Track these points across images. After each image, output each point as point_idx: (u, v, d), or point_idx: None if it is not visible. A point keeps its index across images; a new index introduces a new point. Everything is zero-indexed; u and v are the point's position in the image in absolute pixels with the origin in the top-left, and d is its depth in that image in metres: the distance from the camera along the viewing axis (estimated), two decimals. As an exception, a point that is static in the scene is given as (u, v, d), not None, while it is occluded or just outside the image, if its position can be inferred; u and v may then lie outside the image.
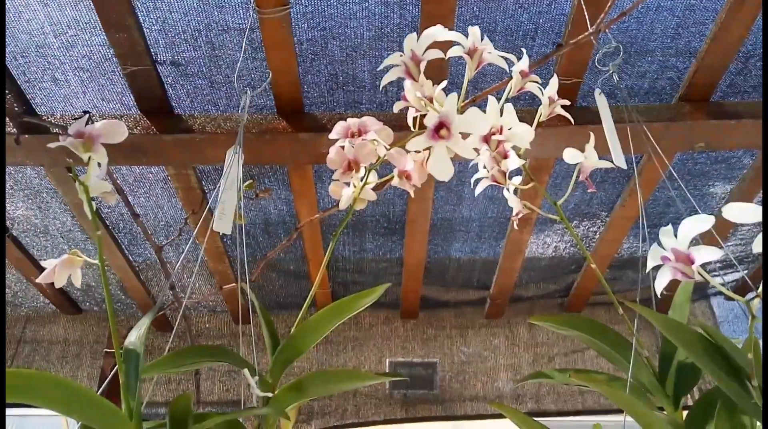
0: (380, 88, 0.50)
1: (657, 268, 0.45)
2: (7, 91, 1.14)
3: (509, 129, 0.50)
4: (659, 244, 0.45)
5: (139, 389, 0.50)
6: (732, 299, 1.97)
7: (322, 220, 1.56)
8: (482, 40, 0.51)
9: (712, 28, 1.11)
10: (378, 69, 0.51)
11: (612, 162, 0.72)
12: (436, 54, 0.47)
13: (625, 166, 0.75)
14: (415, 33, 0.48)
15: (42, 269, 1.68)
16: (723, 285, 1.63)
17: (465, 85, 0.53)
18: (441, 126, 0.44)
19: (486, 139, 0.51)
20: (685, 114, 1.20)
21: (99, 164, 0.55)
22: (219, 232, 1.45)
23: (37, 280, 0.58)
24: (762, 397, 0.53)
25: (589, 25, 0.97)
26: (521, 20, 1.10)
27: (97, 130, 0.53)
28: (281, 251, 1.55)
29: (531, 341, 1.93)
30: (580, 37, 0.87)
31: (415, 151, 0.78)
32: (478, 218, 1.57)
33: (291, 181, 1.36)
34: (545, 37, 1.12)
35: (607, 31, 0.93)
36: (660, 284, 0.44)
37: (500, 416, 1.84)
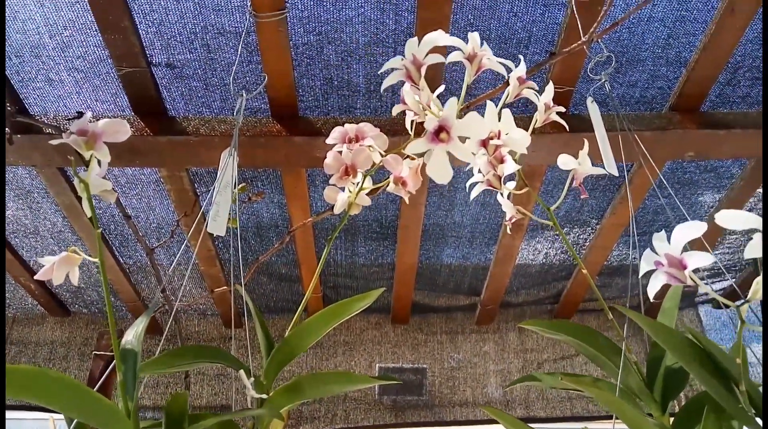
0: (381, 91, 0.50)
1: (650, 273, 0.46)
2: (0, 91, 1.14)
3: (506, 134, 0.51)
4: (652, 249, 0.46)
5: (136, 388, 0.51)
6: (720, 307, 1.99)
7: (315, 224, 1.56)
8: (482, 46, 0.52)
9: (702, 39, 1.13)
10: (379, 72, 0.52)
11: (604, 169, 0.73)
12: (436, 59, 0.48)
13: (617, 173, 0.76)
14: (416, 38, 0.49)
15: (30, 270, 1.66)
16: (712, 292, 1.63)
17: (464, 90, 0.54)
18: (441, 130, 0.45)
19: (484, 144, 0.52)
20: (676, 123, 1.22)
21: (99, 163, 0.55)
22: (211, 235, 1.45)
23: (36, 277, 0.58)
24: (763, 397, 0.54)
25: (582, 34, 0.99)
26: (515, 28, 1.11)
27: (100, 129, 0.53)
28: (273, 255, 1.55)
29: (520, 347, 1.93)
30: (573, 46, 0.88)
31: (411, 158, 0.79)
32: (470, 224, 1.58)
33: (284, 185, 1.36)
34: (538, 45, 1.14)
35: (599, 40, 0.94)
36: (653, 288, 0.45)
37: (489, 422, 1.85)
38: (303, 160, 1.24)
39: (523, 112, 1.25)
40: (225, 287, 1.34)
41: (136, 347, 0.56)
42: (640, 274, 0.47)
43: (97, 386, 0.58)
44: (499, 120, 0.51)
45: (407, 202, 0.78)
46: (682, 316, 2.04)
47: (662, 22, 1.12)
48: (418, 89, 0.50)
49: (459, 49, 0.53)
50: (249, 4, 1.00)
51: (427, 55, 0.48)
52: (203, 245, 1.52)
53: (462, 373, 1.91)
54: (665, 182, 1.29)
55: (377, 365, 1.93)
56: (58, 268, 0.59)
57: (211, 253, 1.56)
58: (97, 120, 0.56)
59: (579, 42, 0.88)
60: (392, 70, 0.51)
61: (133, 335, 0.57)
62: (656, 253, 0.45)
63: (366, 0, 1.05)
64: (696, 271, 0.55)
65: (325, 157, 1.24)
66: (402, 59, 0.49)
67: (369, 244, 1.66)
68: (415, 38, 0.49)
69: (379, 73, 0.51)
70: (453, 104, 0.45)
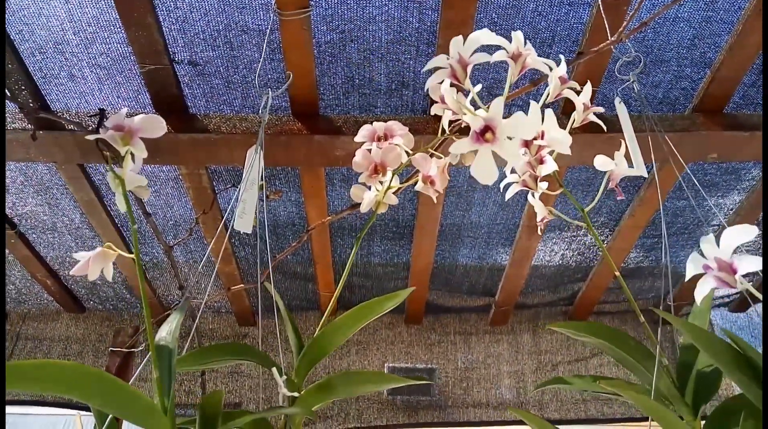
0: (425, 91, 0.49)
1: (698, 276, 0.45)
2: (22, 87, 1.14)
3: (549, 134, 0.50)
4: (700, 252, 0.45)
5: (173, 384, 0.50)
6: (737, 310, 1.97)
7: (330, 222, 1.56)
8: (525, 45, 0.51)
9: (728, 39, 1.12)
10: (423, 70, 0.51)
11: (636, 170, 0.72)
12: (483, 58, 0.48)
13: (646, 175, 0.75)
14: (460, 36, 0.48)
15: (47, 265, 1.66)
16: (727, 297, 1.62)
17: (507, 88, 0.53)
18: (486, 129, 0.44)
19: (527, 144, 0.51)
20: (699, 124, 1.21)
21: (133, 158, 0.55)
22: (229, 233, 1.45)
23: (71, 273, 0.58)
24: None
25: (609, 34, 0.98)
26: (539, 27, 1.10)
27: (137, 124, 0.52)
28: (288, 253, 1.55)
29: (534, 349, 1.93)
30: (601, 45, 0.88)
31: (438, 157, 0.79)
32: (487, 224, 1.57)
33: (302, 183, 1.36)
34: (562, 45, 1.13)
35: (626, 40, 0.93)
36: (701, 293, 0.44)
37: (501, 423, 1.84)
38: (322, 159, 1.24)
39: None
40: (242, 285, 1.34)
41: (171, 343, 0.56)
42: (687, 278, 0.46)
43: (132, 380, 0.58)
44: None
45: (435, 201, 0.78)
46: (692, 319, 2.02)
47: (688, 23, 1.11)
48: (463, 88, 0.49)
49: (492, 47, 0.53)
50: (273, 2, 1.00)
51: (473, 53, 0.48)
52: (219, 243, 1.52)
53: (475, 374, 1.90)
54: (687, 184, 1.28)
55: (387, 365, 1.92)
56: (93, 263, 0.58)
57: (227, 251, 1.56)
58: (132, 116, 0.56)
59: (607, 42, 0.88)
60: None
61: (167, 332, 0.57)
62: (704, 257, 0.45)
63: (390, -2, 1.04)
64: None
65: (345, 156, 1.24)
66: (447, 58, 0.49)
67: (385, 243, 1.65)
68: (460, 36, 0.48)
69: (423, 71, 0.51)
70: (499, 104, 0.44)
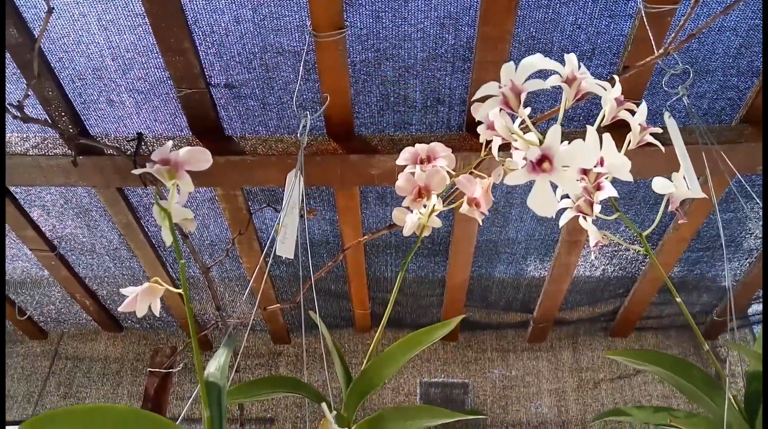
0: (476, 121, 0.47)
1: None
2: (62, 113, 1.15)
3: (609, 160, 0.48)
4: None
5: (224, 423, 0.49)
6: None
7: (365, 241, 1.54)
8: (579, 68, 0.49)
9: (777, 47, 1.08)
10: (473, 99, 0.49)
11: (696, 192, 0.69)
12: (538, 84, 0.45)
13: (702, 195, 0.72)
14: (511, 63, 0.46)
15: (85, 286, 1.67)
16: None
17: (561, 114, 0.51)
18: (543, 159, 0.42)
19: (585, 172, 0.49)
20: (747, 136, 1.17)
21: (179, 190, 0.54)
22: (261, 251, 1.45)
23: (119, 309, 0.57)
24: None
25: (654, 47, 0.95)
26: (579, 41, 1.08)
27: (183, 158, 0.52)
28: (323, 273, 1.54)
29: (575, 366, 1.88)
30: (648, 59, 0.85)
31: (480, 177, 0.77)
32: (525, 240, 1.54)
33: (337, 202, 1.35)
34: (603, 58, 1.10)
35: (674, 53, 0.90)
36: None
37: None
38: (358, 178, 1.23)
39: (583, 125, 1.21)
40: (279, 304, 1.34)
41: (220, 380, 0.54)
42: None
43: (181, 416, 0.57)
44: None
45: (480, 223, 0.75)
46: (734, 333, 1.94)
47: (734, 31, 1.07)
48: (516, 115, 0.47)
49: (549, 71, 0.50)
50: (309, 23, 0.99)
51: (526, 80, 0.46)
52: (254, 263, 1.52)
53: (514, 392, 1.86)
54: (752, 193, 1.23)
55: (418, 380, 1.89)
56: (141, 299, 0.58)
57: (261, 269, 1.56)
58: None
59: (655, 55, 0.85)
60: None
61: (215, 367, 0.56)
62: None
63: (426, 15, 1.03)
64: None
65: (381, 175, 1.22)
66: (499, 86, 0.46)
67: (420, 260, 1.63)
68: (511, 63, 0.46)
69: (472, 100, 0.48)
70: (556, 132, 0.42)
